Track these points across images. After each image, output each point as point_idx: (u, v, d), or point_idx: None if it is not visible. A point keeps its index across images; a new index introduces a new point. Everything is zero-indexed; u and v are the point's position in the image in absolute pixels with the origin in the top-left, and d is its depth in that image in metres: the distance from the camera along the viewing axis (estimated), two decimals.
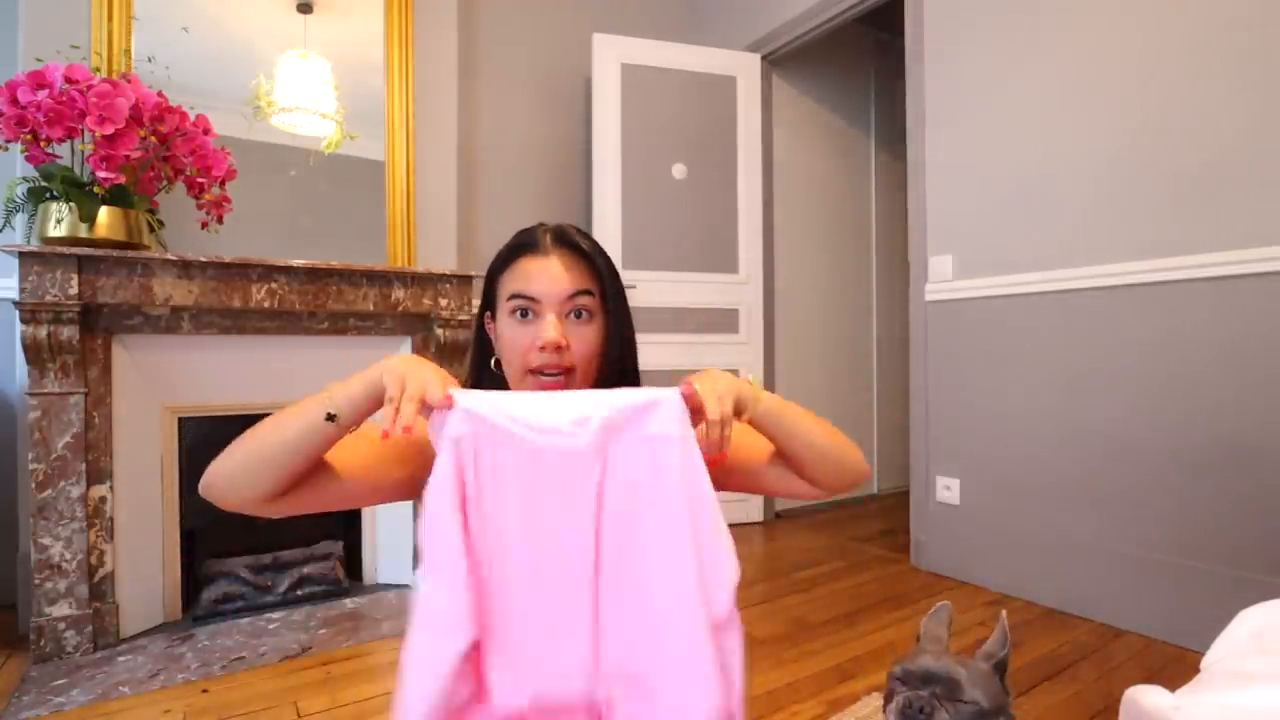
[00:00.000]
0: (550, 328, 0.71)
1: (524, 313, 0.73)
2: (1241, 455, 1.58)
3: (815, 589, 2.10)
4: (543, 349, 0.72)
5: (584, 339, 0.74)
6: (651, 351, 2.78)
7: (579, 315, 0.74)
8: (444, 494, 0.58)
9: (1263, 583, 1.51)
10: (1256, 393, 1.56)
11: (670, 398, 0.63)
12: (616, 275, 0.78)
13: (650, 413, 0.62)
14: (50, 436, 1.61)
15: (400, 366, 0.63)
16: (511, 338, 0.74)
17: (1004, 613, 0.75)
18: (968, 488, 2.19)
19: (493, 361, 0.80)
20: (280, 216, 2.13)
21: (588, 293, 0.74)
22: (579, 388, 0.74)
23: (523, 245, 0.75)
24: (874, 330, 3.53)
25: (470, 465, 0.60)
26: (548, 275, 0.73)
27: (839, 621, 1.84)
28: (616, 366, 0.77)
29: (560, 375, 0.73)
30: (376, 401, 0.63)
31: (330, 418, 0.63)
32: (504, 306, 0.75)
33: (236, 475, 0.66)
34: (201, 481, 0.68)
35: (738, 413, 0.68)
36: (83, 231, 1.62)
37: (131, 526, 1.76)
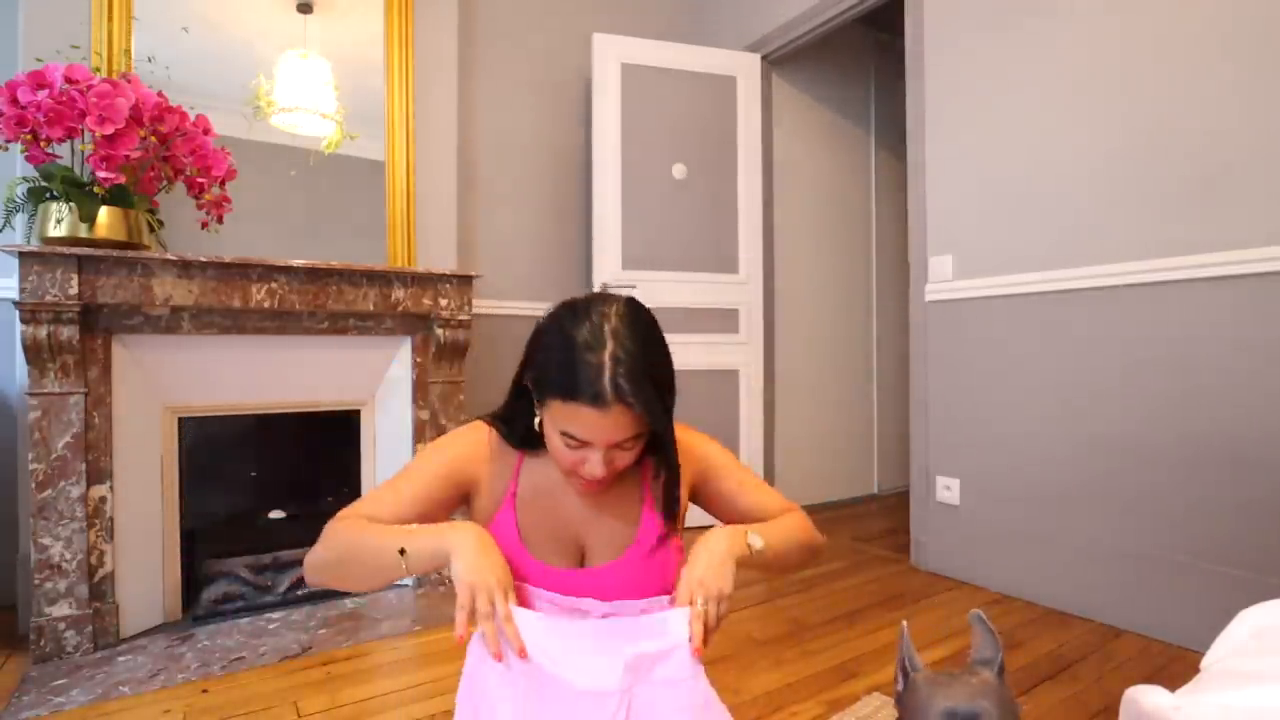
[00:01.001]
0: (596, 467, 0.76)
1: (575, 442, 0.76)
2: (1242, 455, 1.58)
3: (815, 589, 2.10)
4: (588, 482, 0.80)
5: (624, 460, 0.79)
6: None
7: (622, 448, 0.77)
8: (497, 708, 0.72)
9: (1263, 583, 1.51)
10: (1257, 392, 1.56)
11: (680, 648, 0.74)
12: (667, 411, 0.78)
13: (664, 661, 0.74)
14: (50, 436, 1.62)
15: (469, 576, 0.71)
16: (559, 451, 0.78)
17: (977, 611, 0.71)
18: (968, 488, 2.19)
19: (536, 422, 0.81)
20: (280, 216, 2.13)
21: (637, 437, 0.77)
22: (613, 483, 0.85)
23: (585, 393, 0.71)
24: (874, 330, 3.53)
25: (519, 685, 0.72)
26: (603, 430, 0.73)
27: (839, 621, 1.84)
28: (661, 452, 0.85)
29: (598, 484, 0.81)
30: (437, 566, 0.75)
31: (402, 552, 0.74)
32: (554, 424, 0.76)
33: (330, 581, 0.82)
34: (304, 572, 0.82)
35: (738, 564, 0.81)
36: (83, 231, 1.62)
37: (131, 526, 1.76)
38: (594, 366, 0.71)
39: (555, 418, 0.75)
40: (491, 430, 0.88)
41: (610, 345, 0.72)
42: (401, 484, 0.84)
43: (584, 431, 0.73)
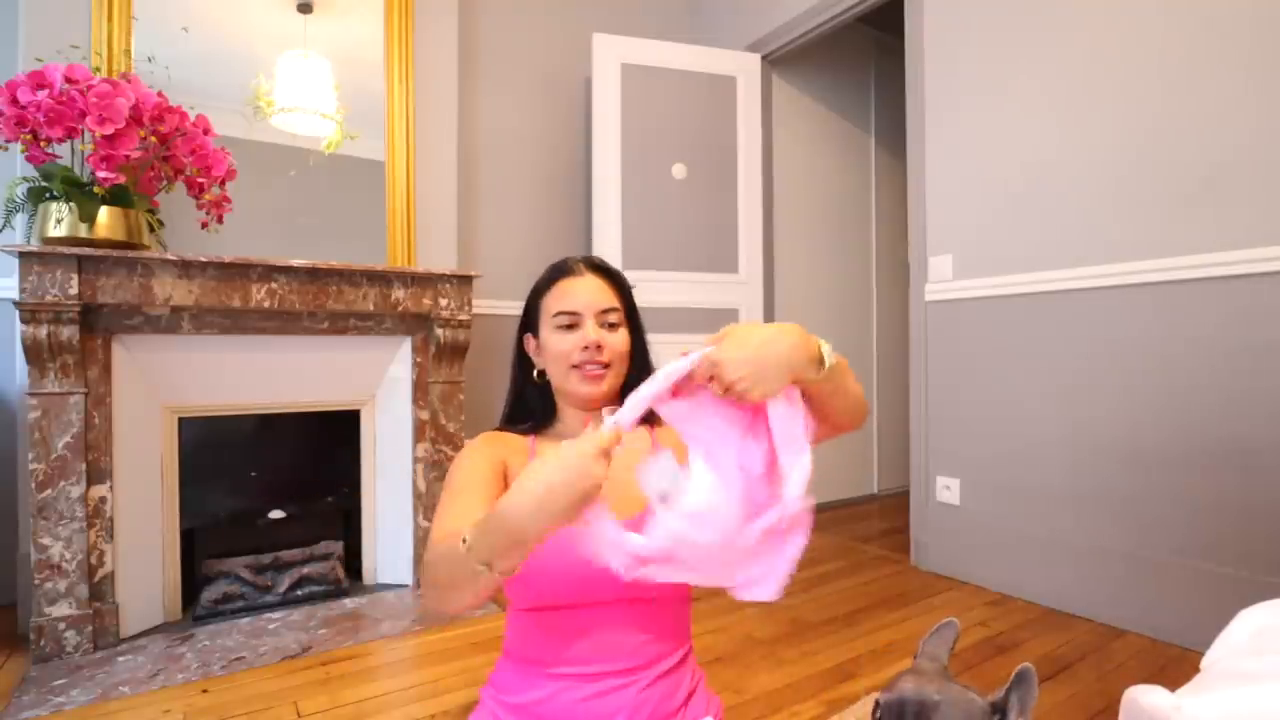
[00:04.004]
0: (590, 330, 0.89)
1: (568, 326, 0.90)
2: (1242, 455, 1.58)
3: (815, 589, 2.10)
4: (585, 349, 0.88)
5: (615, 342, 0.91)
6: (652, 351, 2.79)
7: (609, 326, 0.91)
8: None
9: (1263, 583, 1.51)
10: (1257, 392, 1.56)
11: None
12: (632, 296, 0.97)
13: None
14: (50, 436, 1.62)
15: (552, 480, 0.60)
16: (558, 346, 0.90)
17: (1029, 667, 0.62)
18: (968, 488, 2.19)
19: (535, 373, 0.95)
20: (280, 216, 2.13)
21: (615, 309, 0.92)
22: (613, 382, 0.91)
23: (561, 271, 0.93)
24: (874, 330, 3.53)
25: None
26: (585, 293, 0.91)
27: (839, 621, 1.84)
28: (639, 363, 0.96)
29: (599, 368, 0.89)
30: (506, 539, 0.61)
31: (463, 541, 0.63)
32: (549, 323, 0.91)
33: (447, 601, 0.69)
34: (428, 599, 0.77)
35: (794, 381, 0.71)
36: (83, 231, 1.62)
37: (131, 526, 1.76)
38: (568, 259, 0.96)
39: (549, 310, 0.91)
40: (503, 430, 0.95)
41: (576, 255, 0.97)
42: (458, 495, 0.79)
43: (571, 300, 0.90)
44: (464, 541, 0.62)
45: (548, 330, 0.91)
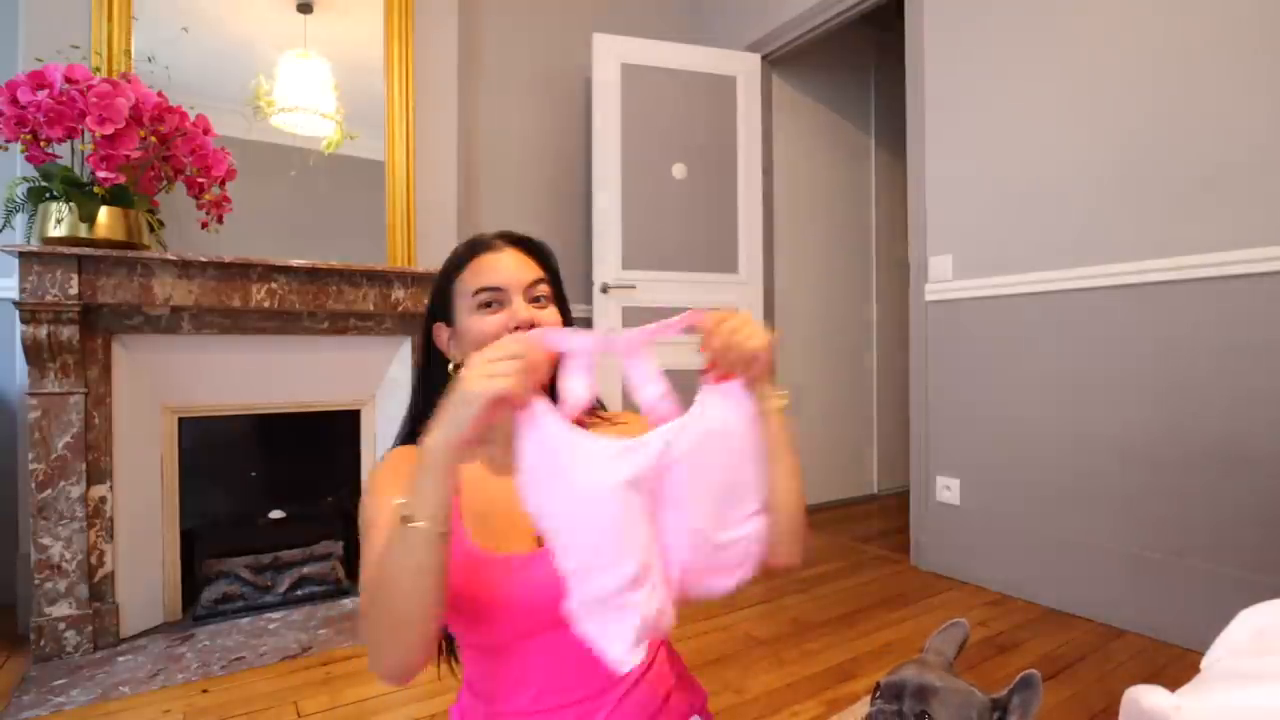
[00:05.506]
0: (522, 309, 0.76)
1: (490, 304, 0.76)
2: (1242, 455, 1.58)
3: (815, 589, 2.09)
4: (518, 328, 0.73)
5: (547, 320, 0.78)
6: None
7: (537, 301, 0.79)
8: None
9: (1263, 583, 1.51)
10: (1257, 393, 1.56)
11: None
12: (558, 267, 0.85)
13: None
14: (50, 436, 1.61)
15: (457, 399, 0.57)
16: (482, 329, 0.75)
17: (1035, 674, 0.62)
18: (968, 488, 2.19)
19: (450, 366, 0.80)
20: (280, 216, 2.13)
21: (543, 281, 0.80)
22: (544, 366, 0.72)
23: (476, 246, 0.80)
24: (874, 330, 3.53)
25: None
26: (509, 267, 0.78)
27: (839, 621, 1.84)
28: None
29: None
30: (435, 489, 0.57)
31: (404, 519, 0.57)
32: (467, 304, 0.77)
33: (384, 622, 0.59)
34: (369, 649, 0.62)
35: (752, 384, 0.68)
36: (83, 231, 1.62)
37: (131, 526, 1.76)
38: (482, 235, 0.81)
39: (467, 290, 0.77)
40: (412, 447, 0.77)
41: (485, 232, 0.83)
42: (375, 532, 0.67)
43: (493, 275, 0.76)
44: (398, 506, 0.57)
45: (466, 313, 0.77)
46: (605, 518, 0.59)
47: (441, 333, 0.81)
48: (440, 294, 0.81)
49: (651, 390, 0.65)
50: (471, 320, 0.76)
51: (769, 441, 0.71)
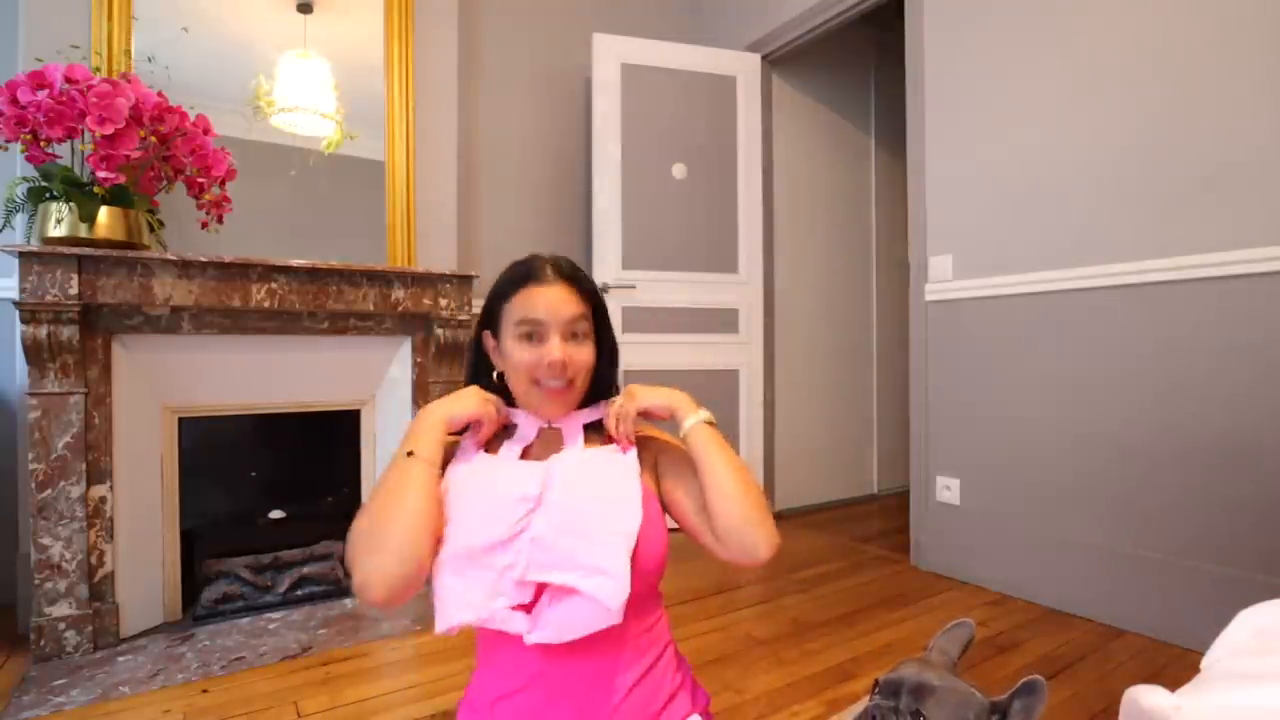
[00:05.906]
0: (555, 349, 0.84)
1: (530, 336, 0.85)
2: (1242, 455, 1.58)
3: (815, 589, 2.09)
4: (550, 366, 0.83)
5: (581, 356, 0.87)
6: (652, 351, 2.80)
7: (575, 336, 0.86)
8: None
9: (1263, 583, 1.51)
10: (1257, 392, 1.56)
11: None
12: (603, 300, 0.93)
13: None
14: (50, 436, 1.62)
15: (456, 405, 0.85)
16: (520, 358, 0.85)
17: (1041, 681, 0.63)
18: (968, 488, 2.19)
19: (494, 375, 0.91)
20: (280, 216, 2.13)
21: (584, 318, 0.87)
22: (576, 396, 0.89)
23: (527, 275, 0.86)
24: (874, 330, 3.53)
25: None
26: (552, 303, 0.84)
27: (839, 621, 1.84)
28: (605, 376, 0.93)
29: (562, 384, 0.86)
30: (444, 433, 0.82)
31: (409, 454, 0.79)
32: (511, 330, 0.86)
33: (374, 548, 0.76)
34: (351, 555, 0.77)
35: (674, 418, 0.86)
36: (83, 231, 1.62)
37: (131, 526, 1.75)
38: (535, 262, 0.89)
39: (512, 316, 0.86)
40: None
41: (543, 254, 0.91)
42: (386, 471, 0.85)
43: (537, 309, 0.84)
44: (410, 454, 0.79)
45: (510, 338, 0.86)
46: (489, 501, 0.78)
47: (489, 341, 0.91)
48: (490, 311, 0.90)
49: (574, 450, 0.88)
50: (512, 345, 0.86)
51: (696, 452, 0.83)
